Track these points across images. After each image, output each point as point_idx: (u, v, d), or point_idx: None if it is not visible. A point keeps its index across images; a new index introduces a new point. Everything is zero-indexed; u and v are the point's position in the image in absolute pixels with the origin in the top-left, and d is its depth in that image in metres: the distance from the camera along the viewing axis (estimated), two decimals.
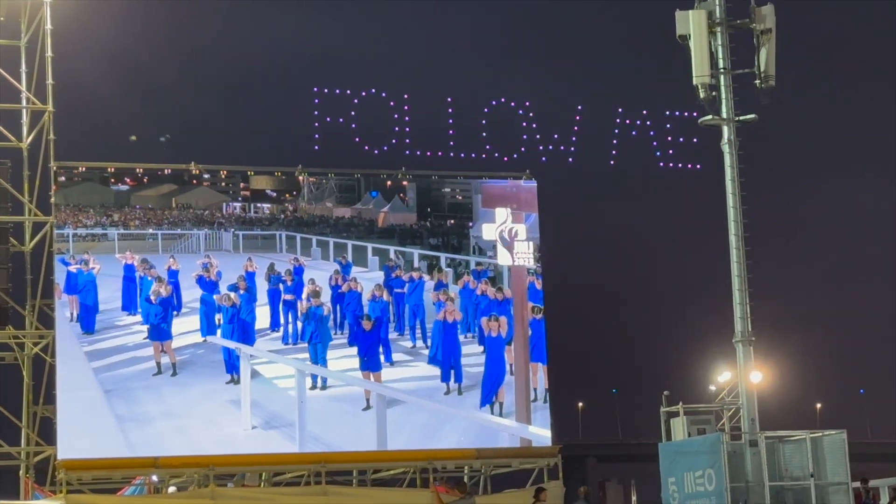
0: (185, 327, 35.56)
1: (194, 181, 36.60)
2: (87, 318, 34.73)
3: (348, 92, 38.38)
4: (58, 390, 33.60)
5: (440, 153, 39.11)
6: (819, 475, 31.94)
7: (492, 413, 36.61)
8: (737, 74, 34.38)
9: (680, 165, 40.32)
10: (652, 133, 40.09)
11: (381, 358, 36.39)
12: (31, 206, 35.64)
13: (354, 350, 36.39)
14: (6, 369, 35.77)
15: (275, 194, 37.06)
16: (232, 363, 35.06)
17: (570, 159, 40.24)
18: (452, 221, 38.05)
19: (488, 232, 37.67)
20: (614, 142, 40.60)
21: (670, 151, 40.04)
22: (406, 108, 38.95)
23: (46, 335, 34.75)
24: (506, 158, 39.45)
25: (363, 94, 38.61)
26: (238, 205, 36.78)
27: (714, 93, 34.12)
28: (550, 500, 33.81)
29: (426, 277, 37.49)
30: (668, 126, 39.89)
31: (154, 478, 36.01)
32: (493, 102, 39.88)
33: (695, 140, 39.42)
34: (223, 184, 37.20)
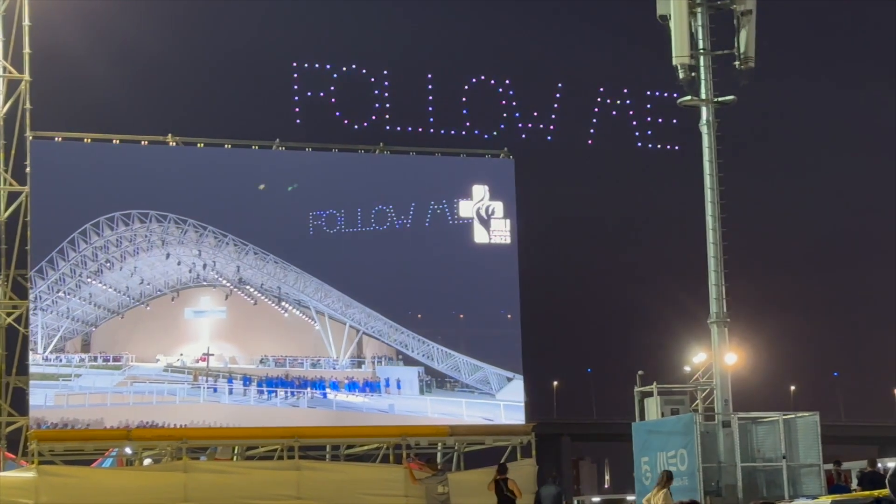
0: None
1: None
2: None
3: (328, 67, 38.29)
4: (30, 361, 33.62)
5: (420, 129, 39.08)
6: (791, 457, 32.11)
7: None
8: (716, 55, 34.40)
9: (658, 146, 40.37)
10: (631, 113, 40.13)
11: None
12: (6, 176, 35.42)
13: None
14: None
15: None
16: None
17: (549, 137, 40.26)
18: None
19: (465, 209, 37.67)
20: (594, 121, 40.60)
21: (649, 132, 40.08)
22: (386, 83, 38.89)
23: (20, 305, 34.61)
24: (486, 136, 39.45)
25: (343, 69, 38.53)
26: None
27: (693, 73, 34.14)
28: (523, 478, 33.90)
29: None
30: (648, 106, 39.93)
31: (127, 450, 36.03)
32: (473, 80, 39.86)
33: (674, 121, 39.48)
34: None
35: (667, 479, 28.56)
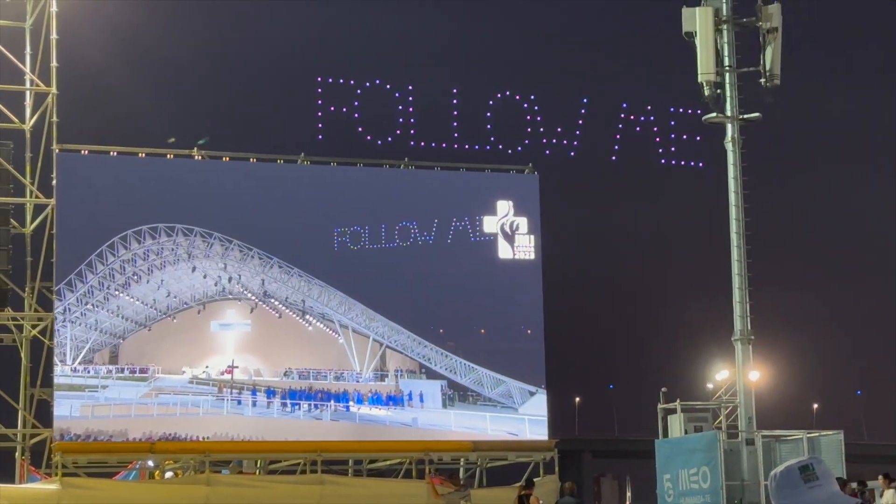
0: None
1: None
2: None
3: (352, 82, 38.35)
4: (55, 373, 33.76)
5: (444, 144, 39.09)
6: None
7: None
8: (742, 72, 34.35)
9: (682, 163, 40.31)
10: (655, 129, 40.08)
11: None
12: (32, 188, 35.59)
13: None
14: (4, 351, 35.74)
15: None
16: None
17: (573, 153, 40.22)
18: None
19: (490, 224, 37.68)
20: (617, 137, 40.57)
21: (673, 148, 40.02)
22: (410, 98, 38.94)
23: (45, 317, 34.72)
24: (510, 151, 39.43)
25: (367, 84, 38.58)
26: None
27: (719, 90, 34.10)
28: (546, 494, 33.84)
29: None
30: (672, 123, 39.88)
31: (150, 462, 36.09)
32: (498, 95, 39.86)
33: (698, 138, 39.40)
34: None
35: None
